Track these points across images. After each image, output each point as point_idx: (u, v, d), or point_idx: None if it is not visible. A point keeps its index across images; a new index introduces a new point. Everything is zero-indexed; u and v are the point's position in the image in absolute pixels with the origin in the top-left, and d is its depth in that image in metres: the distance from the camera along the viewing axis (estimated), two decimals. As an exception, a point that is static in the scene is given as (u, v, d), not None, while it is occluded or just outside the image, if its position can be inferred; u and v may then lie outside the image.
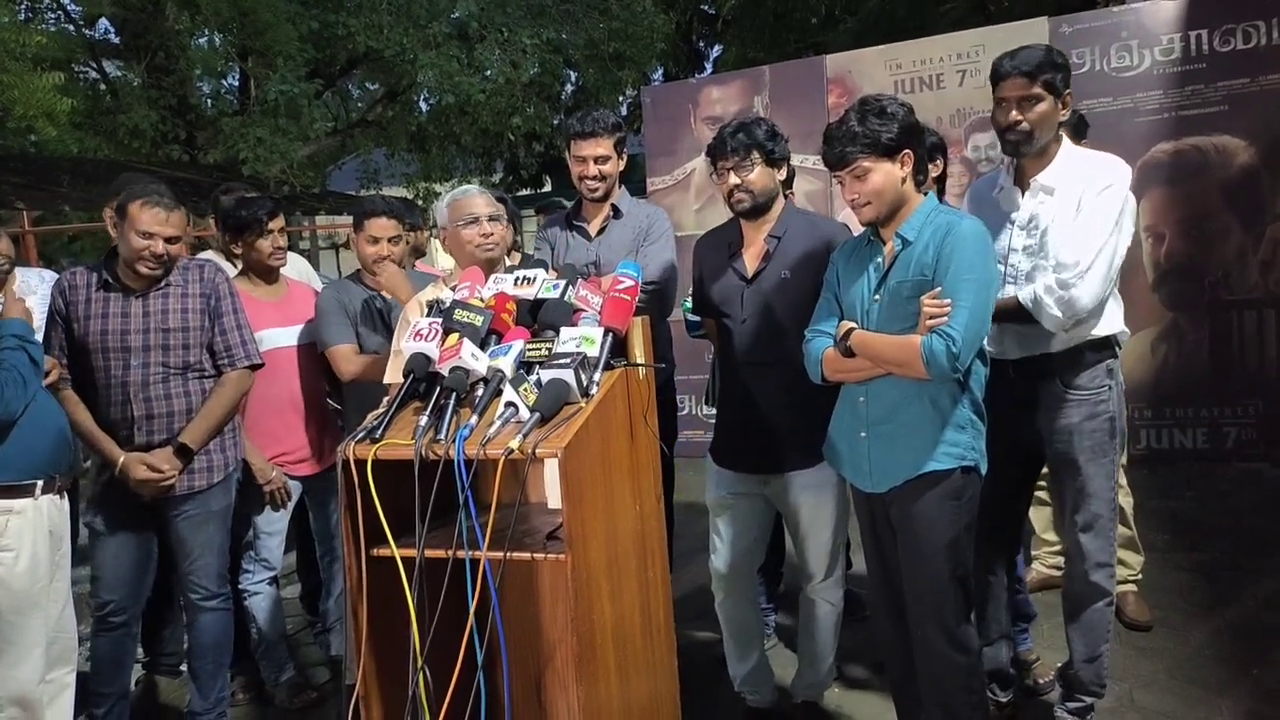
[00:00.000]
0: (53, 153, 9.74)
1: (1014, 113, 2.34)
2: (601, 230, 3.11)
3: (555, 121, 12.32)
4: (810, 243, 2.55)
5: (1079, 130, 3.11)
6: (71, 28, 11.30)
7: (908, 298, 2.12)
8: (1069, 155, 2.42)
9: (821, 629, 2.73)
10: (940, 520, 2.16)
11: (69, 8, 11.29)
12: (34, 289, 3.07)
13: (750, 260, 2.59)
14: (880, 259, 2.21)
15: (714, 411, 2.88)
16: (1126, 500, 3.32)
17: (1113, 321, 2.44)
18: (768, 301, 2.54)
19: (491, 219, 2.50)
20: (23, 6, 10.31)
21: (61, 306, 2.70)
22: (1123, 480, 3.20)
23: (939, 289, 2.06)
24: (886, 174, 2.12)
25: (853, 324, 2.20)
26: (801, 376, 2.40)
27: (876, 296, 2.20)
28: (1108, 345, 2.45)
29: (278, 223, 3.19)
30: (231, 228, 3.19)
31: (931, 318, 2.03)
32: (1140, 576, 3.37)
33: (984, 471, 2.22)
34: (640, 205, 3.23)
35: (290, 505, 3.18)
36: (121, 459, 2.64)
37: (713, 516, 2.74)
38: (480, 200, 2.52)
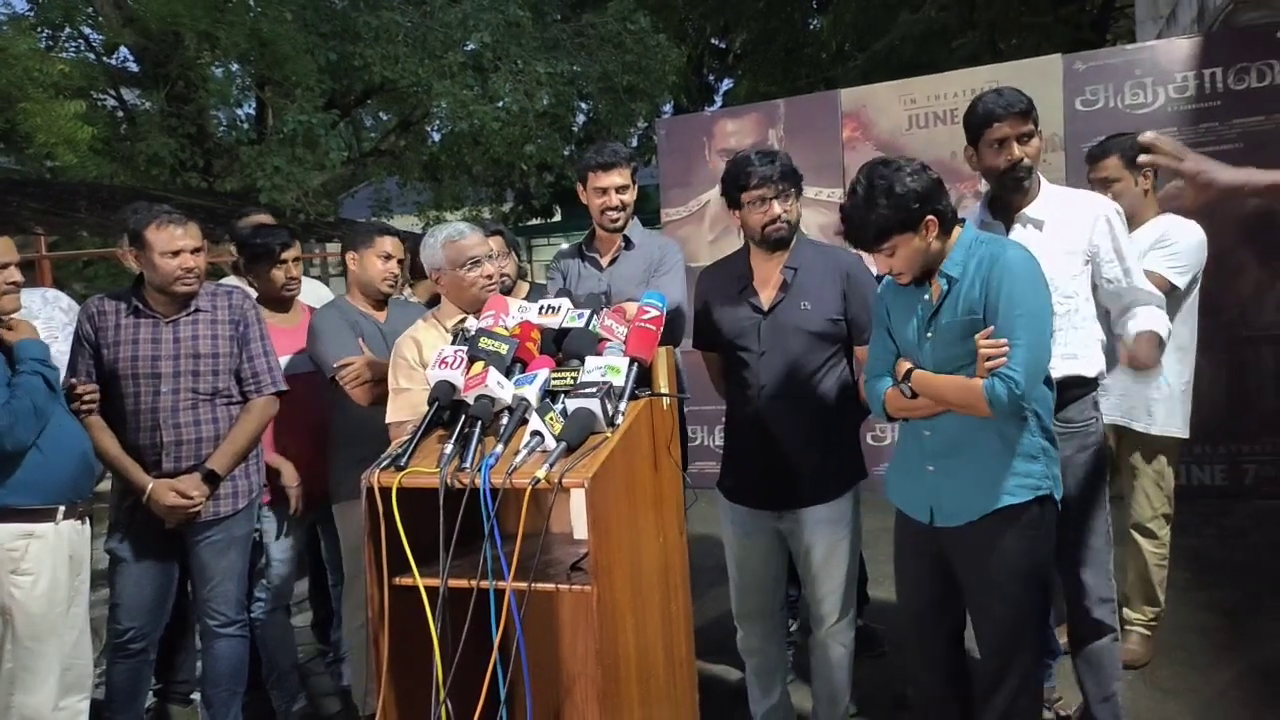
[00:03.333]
0: (70, 179, 9.84)
1: (1016, 149, 2.37)
2: (613, 261, 3.13)
3: (566, 152, 12.41)
4: (826, 273, 2.54)
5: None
6: (92, 56, 11.46)
7: (960, 338, 2.07)
8: (1049, 189, 2.49)
9: (836, 671, 2.67)
10: (1019, 553, 2.09)
11: (90, 36, 11.46)
12: (36, 313, 2.97)
13: (766, 293, 2.56)
14: (928, 297, 2.15)
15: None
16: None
17: (1097, 362, 2.46)
18: (786, 334, 2.52)
19: (490, 257, 2.53)
20: (44, 35, 10.46)
21: (90, 333, 2.70)
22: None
23: (992, 329, 2.00)
24: (913, 247, 2.06)
25: (910, 363, 2.16)
26: (821, 408, 2.37)
27: (928, 334, 2.14)
28: (1093, 378, 2.46)
29: (292, 253, 3.19)
30: (247, 257, 3.21)
31: (989, 359, 1.98)
32: (1155, 622, 3.27)
33: (1059, 496, 2.15)
34: (652, 236, 3.25)
35: (300, 532, 3.17)
36: (150, 485, 2.64)
37: (730, 555, 2.70)
38: (476, 239, 2.52)
